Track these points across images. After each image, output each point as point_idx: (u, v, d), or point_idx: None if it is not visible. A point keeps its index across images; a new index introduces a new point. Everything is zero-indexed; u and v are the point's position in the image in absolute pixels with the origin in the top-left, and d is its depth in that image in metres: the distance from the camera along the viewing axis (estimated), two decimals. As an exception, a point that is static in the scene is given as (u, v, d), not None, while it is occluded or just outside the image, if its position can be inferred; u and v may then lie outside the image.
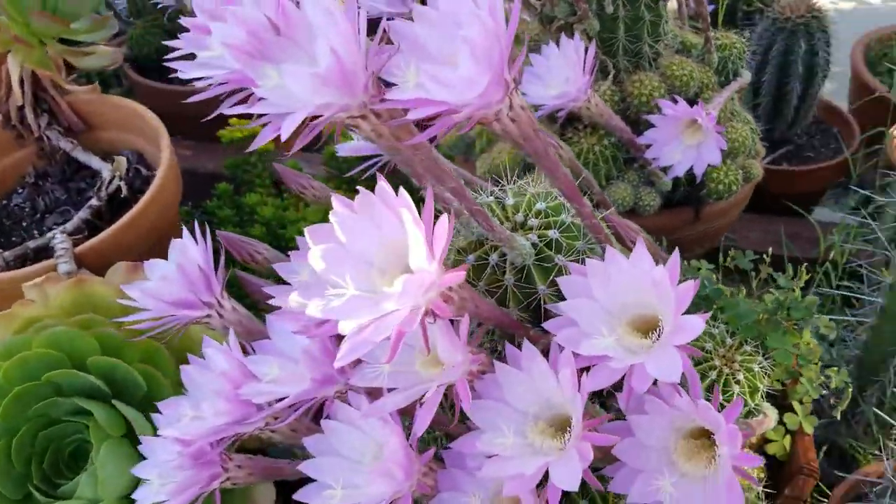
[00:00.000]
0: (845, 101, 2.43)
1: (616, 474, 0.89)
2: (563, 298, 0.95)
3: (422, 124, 0.76)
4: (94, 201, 1.68)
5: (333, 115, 0.75)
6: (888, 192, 1.50)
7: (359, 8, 0.74)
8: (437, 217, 0.73)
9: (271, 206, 1.99)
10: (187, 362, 1.41)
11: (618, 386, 0.83)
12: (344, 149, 1.28)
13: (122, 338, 1.30)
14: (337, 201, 0.75)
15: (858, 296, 1.52)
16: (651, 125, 1.47)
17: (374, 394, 0.89)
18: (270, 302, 0.90)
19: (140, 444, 1.24)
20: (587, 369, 0.83)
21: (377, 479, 0.80)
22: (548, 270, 0.96)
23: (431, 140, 0.80)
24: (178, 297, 1.00)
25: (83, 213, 1.65)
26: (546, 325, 0.86)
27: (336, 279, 0.72)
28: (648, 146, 1.47)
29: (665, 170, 1.49)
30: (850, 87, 2.47)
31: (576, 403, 0.80)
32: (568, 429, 0.82)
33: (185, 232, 1.07)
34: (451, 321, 0.80)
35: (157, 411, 1.25)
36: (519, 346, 0.86)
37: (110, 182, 1.70)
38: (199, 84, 0.83)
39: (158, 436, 1.00)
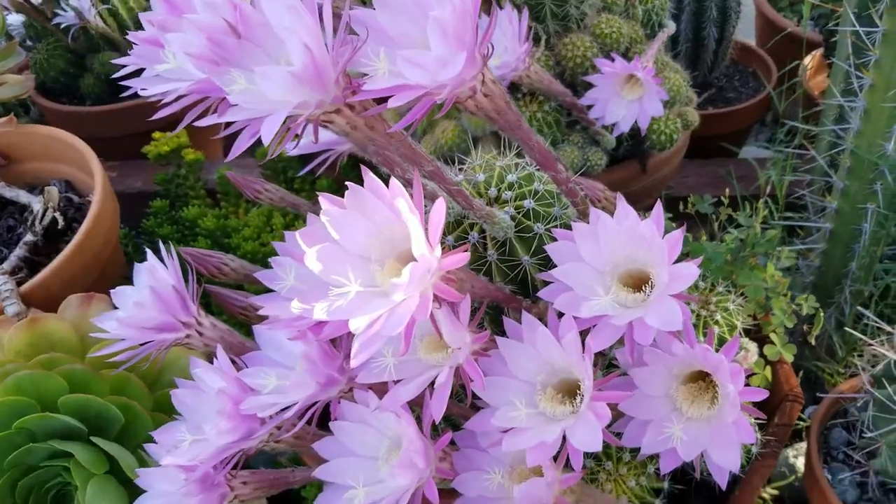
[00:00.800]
0: (753, 40, 2.50)
1: (626, 429, 0.90)
2: (546, 266, 0.96)
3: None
4: (29, 237, 1.61)
5: (310, 113, 0.74)
6: (822, 120, 1.56)
7: (320, 3, 0.73)
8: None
9: (212, 217, 1.94)
10: (160, 388, 1.38)
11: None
12: (293, 147, 1.26)
13: (90, 373, 1.26)
14: (325, 199, 0.74)
15: (803, 224, 1.58)
16: (590, 85, 1.48)
17: (377, 389, 0.88)
18: (261, 312, 0.88)
19: (124, 478, 1.22)
20: (586, 333, 0.84)
21: (400, 472, 0.80)
22: (528, 241, 0.96)
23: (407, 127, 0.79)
24: (158, 322, 0.97)
25: (20, 251, 1.58)
26: (542, 293, 0.87)
27: (338, 278, 0.71)
28: (591, 106, 1.48)
29: (608, 128, 1.51)
30: (755, 25, 2.54)
31: (583, 366, 0.81)
32: (578, 392, 0.83)
33: (150, 254, 1.03)
34: (451, 303, 0.80)
35: (138, 443, 1.22)
36: (518, 319, 0.86)
37: (44, 214, 1.63)
38: (153, 97, 0.80)
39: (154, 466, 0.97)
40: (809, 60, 2.20)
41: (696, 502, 1.16)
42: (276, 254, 0.95)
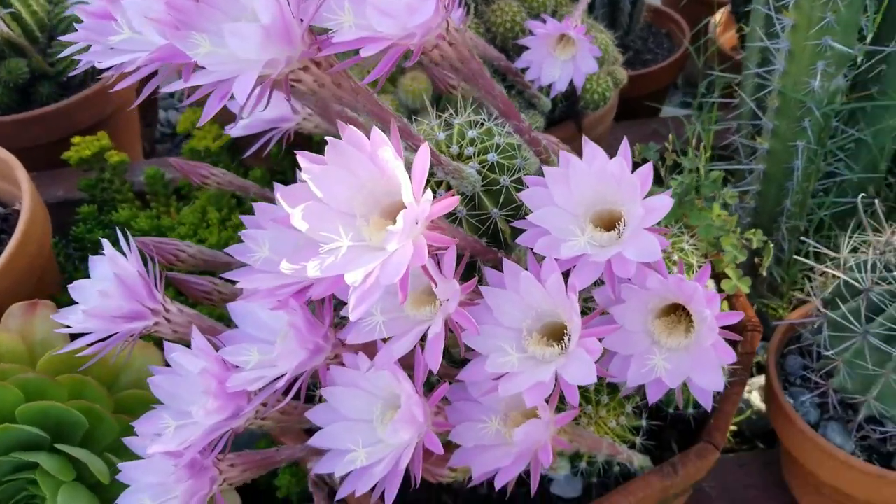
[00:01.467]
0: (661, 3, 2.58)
1: (610, 365, 0.92)
2: (515, 217, 0.97)
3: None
4: (-43, 252, 1.53)
5: (280, 72, 0.73)
6: (745, 66, 1.62)
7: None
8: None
9: (145, 219, 1.89)
10: (119, 390, 1.34)
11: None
12: (236, 128, 1.24)
13: (45, 379, 1.21)
14: (304, 157, 0.73)
15: (737, 168, 1.64)
16: (522, 50, 1.50)
17: (365, 353, 0.88)
18: (238, 286, 0.86)
19: (93, 483, 1.18)
20: (565, 277, 0.85)
21: (402, 426, 0.79)
22: (495, 194, 0.97)
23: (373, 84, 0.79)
24: (126, 310, 0.94)
25: (-51, 267, 1.50)
26: (520, 240, 0.88)
27: (327, 234, 0.70)
28: (525, 69, 1.50)
29: (543, 90, 1.53)
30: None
31: (568, 305, 0.82)
32: (565, 333, 0.85)
33: (107, 244, 1.00)
34: (435, 256, 0.80)
35: (105, 446, 1.18)
36: (499, 268, 0.87)
37: (-31, 227, 1.55)
38: (109, 71, 0.77)
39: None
40: (719, 17, 2.28)
41: (672, 436, 1.19)
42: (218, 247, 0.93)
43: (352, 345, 0.88)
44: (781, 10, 1.39)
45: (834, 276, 1.19)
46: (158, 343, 1.27)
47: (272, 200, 1.26)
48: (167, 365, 0.94)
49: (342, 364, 0.88)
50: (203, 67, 0.72)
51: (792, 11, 1.34)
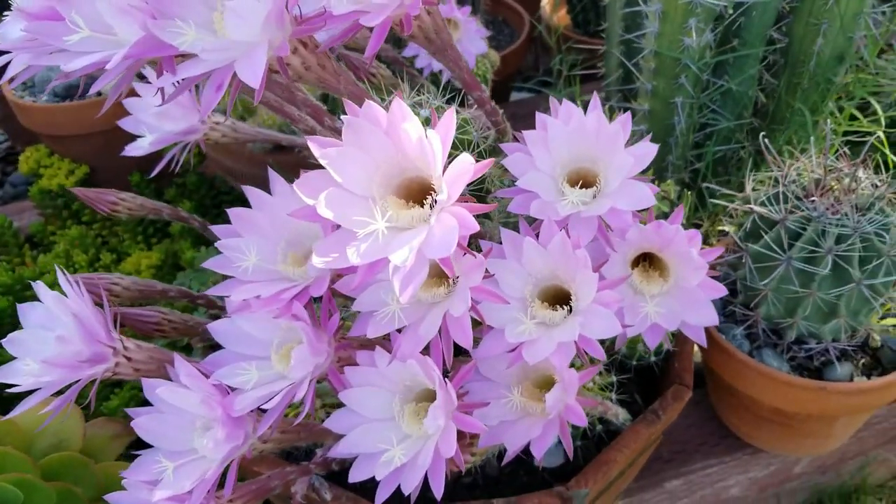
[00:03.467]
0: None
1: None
2: (480, 192, 0.96)
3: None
4: None
5: (274, 55, 0.67)
6: (609, 37, 1.69)
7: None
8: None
9: (3, 272, 1.70)
10: (40, 455, 1.20)
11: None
12: (139, 147, 1.15)
13: None
14: (315, 143, 0.68)
15: (628, 106, 1.71)
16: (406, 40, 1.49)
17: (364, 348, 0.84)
18: (229, 300, 0.79)
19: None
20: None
21: (440, 413, 0.76)
22: (459, 170, 0.95)
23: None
24: (89, 354, 0.84)
25: None
26: (512, 207, 0.87)
27: (360, 219, 0.66)
28: (414, 58, 1.49)
29: (434, 75, 1.53)
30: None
31: (575, 263, 0.82)
32: (570, 295, 0.85)
33: (41, 286, 0.89)
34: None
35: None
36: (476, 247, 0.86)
37: None
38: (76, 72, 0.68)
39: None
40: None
41: (633, 389, 1.23)
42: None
43: (353, 345, 0.84)
44: (648, -25, 1.47)
45: (744, 212, 1.27)
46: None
47: (187, 220, 1.17)
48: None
49: (343, 369, 0.83)
50: (187, 57, 0.66)
51: (661, -25, 1.42)
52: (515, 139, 0.93)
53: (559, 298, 0.86)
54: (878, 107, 1.56)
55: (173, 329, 1.00)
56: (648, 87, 1.57)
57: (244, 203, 1.82)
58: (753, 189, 1.30)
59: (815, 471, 1.59)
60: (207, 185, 1.95)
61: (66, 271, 0.90)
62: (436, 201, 0.68)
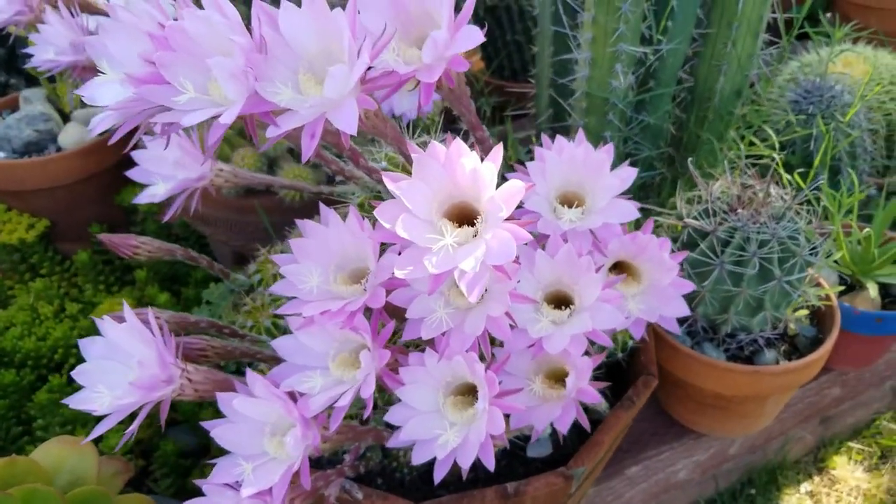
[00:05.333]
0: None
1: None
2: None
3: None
4: None
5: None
6: (540, 81, 1.90)
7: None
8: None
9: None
10: (64, 492, 1.28)
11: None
12: (147, 196, 1.26)
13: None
14: (389, 177, 0.83)
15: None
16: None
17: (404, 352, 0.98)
18: (300, 316, 0.92)
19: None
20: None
21: (485, 401, 0.91)
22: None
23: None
24: (165, 376, 0.94)
25: None
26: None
27: (432, 236, 0.82)
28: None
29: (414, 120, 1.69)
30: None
31: (579, 269, 1.00)
32: (572, 298, 1.02)
33: (107, 320, 0.99)
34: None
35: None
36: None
37: None
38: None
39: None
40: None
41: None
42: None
43: (400, 350, 0.98)
44: (575, 28, 1.68)
45: (680, 227, 1.49)
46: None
47: (196, 260, 1.28)
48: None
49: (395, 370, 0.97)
50: (282, 112, 0.80)
51: (590, 27, 1.64)
52: (511, 168, 1.10)
53: (559, 301, 1.03)
54: (772, 134, 1.82)
55: (216, 354, 1.10)
56: (581, 124, 1.79)
57: (202, 247, 1.90)
58: (684, 207, 1.53)
59: (746, 451, 1.82)
60: (166, 233, 2.03)
61: (116, 316, 1.00)
62: (480, 221, 0.84)
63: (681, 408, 1.67)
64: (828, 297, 1.59)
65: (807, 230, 1.47)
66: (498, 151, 0.83)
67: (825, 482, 1.91)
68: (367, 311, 0.95)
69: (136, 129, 0.89)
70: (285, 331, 1.33)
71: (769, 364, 1.51)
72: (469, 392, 1.00)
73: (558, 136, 1.06)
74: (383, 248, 0.95)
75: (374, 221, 0.95)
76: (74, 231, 1.96)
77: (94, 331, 1.80)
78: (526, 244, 1.00)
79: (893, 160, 2.30)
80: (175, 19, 0.83)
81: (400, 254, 0.91)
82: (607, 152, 1.05)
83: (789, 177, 1.78)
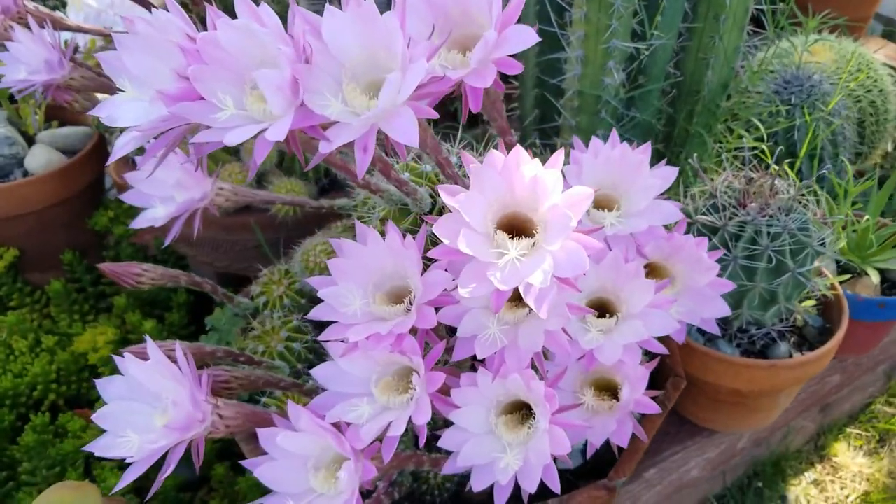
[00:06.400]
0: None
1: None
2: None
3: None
4: None
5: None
6: (525, 83, 1.86)
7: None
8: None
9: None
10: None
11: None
12: (146, 220, 1.19)
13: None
14: (444, 191, 0.78)
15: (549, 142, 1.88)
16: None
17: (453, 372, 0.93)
18: (343, 340, 0.86)
19: None
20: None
21: (544, 417, 0.87)
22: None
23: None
24: (200, 415, 0.88)
25: None
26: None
27: (497, 251, 0.77)
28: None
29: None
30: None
31: (626, 274, 0.96)
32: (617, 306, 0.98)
33: (129, 357, 0.91)
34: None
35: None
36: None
37: None
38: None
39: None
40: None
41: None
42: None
43: (450, 371, 0.93)
44: (566, 26, 1.65)
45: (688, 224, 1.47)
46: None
47: (200, 285, 1.21)
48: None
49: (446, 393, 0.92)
50: (330, 125, 0.74)
51: (582, 24, 1.61)
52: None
53: (601, 309, 1.00)
54: (761, 126, 1.82)
55: (240, 385, 1.03)
56: (573, 123, 1.76)
57: (180, 269, 1.84)
58: (692, 202, 1.51)
59: (753, 445, 1.81)
60: (142, 256, 1.93)
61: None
62: (541, 231, 0.79)
63: (694, 406, 1.64)
64: (833, 287, 1.59)
65: (814, 220, 1.46)
66: (559, 157, 0.79)
67: (828, 470, 1.91)
68: (412, 332, 0.90)
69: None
70: (299, 354, 1.27)
71: (783, 357, 1.50)
72: (518, 409, 0.96)
73: (594, 139, 1.02)
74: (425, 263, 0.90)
75: (405, 235, 0.90)
76: (45, 259, 1.85)
77: (73, 365, 1.71)
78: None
79: (865, 146, 2.34)
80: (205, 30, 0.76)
81: (447, 269, 0.87)
82: (644, 152, 1.01)
83: (778, 167, 1.78)
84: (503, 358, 0.88)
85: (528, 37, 0.79)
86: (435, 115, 0.75)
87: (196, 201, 1.17)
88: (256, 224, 1.59)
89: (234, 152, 1.61)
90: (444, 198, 0.77)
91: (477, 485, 0.89)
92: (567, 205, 0.77)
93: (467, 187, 0.98)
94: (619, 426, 0.97)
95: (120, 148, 0.79)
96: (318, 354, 1.29)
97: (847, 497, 1.85)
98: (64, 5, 2.52)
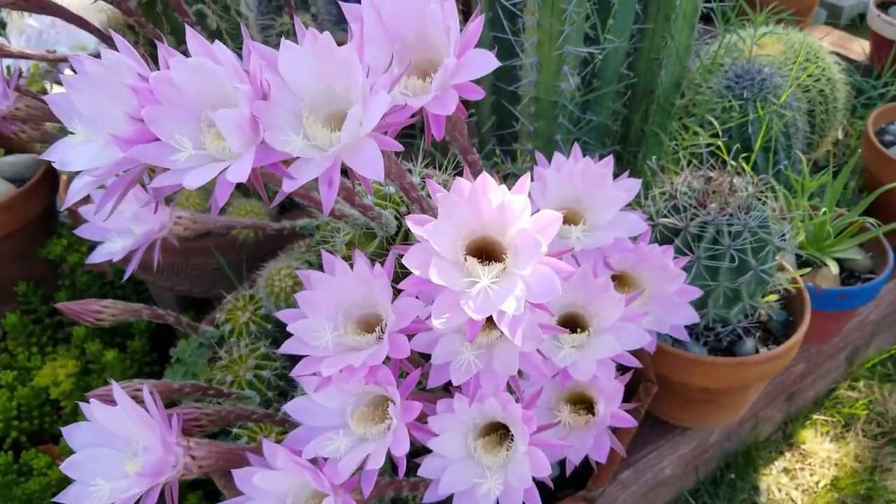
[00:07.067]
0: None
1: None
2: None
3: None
4: None
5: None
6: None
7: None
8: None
9: None
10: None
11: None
12: (103, 254, 1.16)
13: None
14: (412, 221, 0.77)
15: (507, 148, 1.87)
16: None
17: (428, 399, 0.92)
18: (312, 375, 0.85)
19: None
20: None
21: (524, 440, 0.86)
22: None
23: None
24: (173, 459, 0.85)
25: None
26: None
27: (468, 280, 0.76)
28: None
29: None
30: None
31: (596, 288, 0.96)
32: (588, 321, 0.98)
33: (96, 404, 0.89)
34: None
35: None
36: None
37: None
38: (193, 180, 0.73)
39: None
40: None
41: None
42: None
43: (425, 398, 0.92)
44: (518, 33, 1.65)
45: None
46: None
47: (163, 317, 1.19)
48: None
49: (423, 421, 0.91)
50: (294, 160, 0.73)
51: (535, 31, 1.61)
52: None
53: (570, 324, 1.00)
54: (715, 122, 1.84)
55: (210, 422, 1.01)
56: (531, 129, 1.76)
57: (139, 293, 1.80)
58: (652, 204, 1.51)
59: (723, 438, 1.83)
60: (99, 283, 1.89)
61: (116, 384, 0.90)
62: (510, 255, 0.79)
63: (665, 406, 1.66)
64: (795, 281, 1.61)
65: (772, 216, 1.48)
66: (525, 181, 0.78)
67: (797, 457, 1.94)
68: (385, 361, 0.89)
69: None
70: (268, 382, 1.25)
71: (749, 353, 1.52)
72: (495, 429, 0.95)
73: (556, 154, 1.02)
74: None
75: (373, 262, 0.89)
76: (-2, 293, 1.81)
77: (34, 400, 1.66)
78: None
79: (816, 135, 2.37)
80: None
81: (417, 297, 0.86)
82: (607, 165, 1.01)
83: (734, 163, 1.80)
84: (479, 383, 0.87)
85: (488, 62, 0.79)
86: (399, 147, 0.74)
87: (154, 232, 1.15)
88: (216, 247, 1.56)
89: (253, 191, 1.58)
90: (413, 228, 0.76)
91: (461, 512, 0.88)
92: (536, 229, 0.77)
93: (433, 209, 0.98)
94: (596, 441, 0.97)
95: (76, 193, 0.77)
96: (289, 381, 1.27)
97: (817, 483, 1.88)
98: (3, 26, 2.45)
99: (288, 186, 0.71)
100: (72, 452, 1.39)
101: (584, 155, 1.78)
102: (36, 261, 1.88)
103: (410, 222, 0.77)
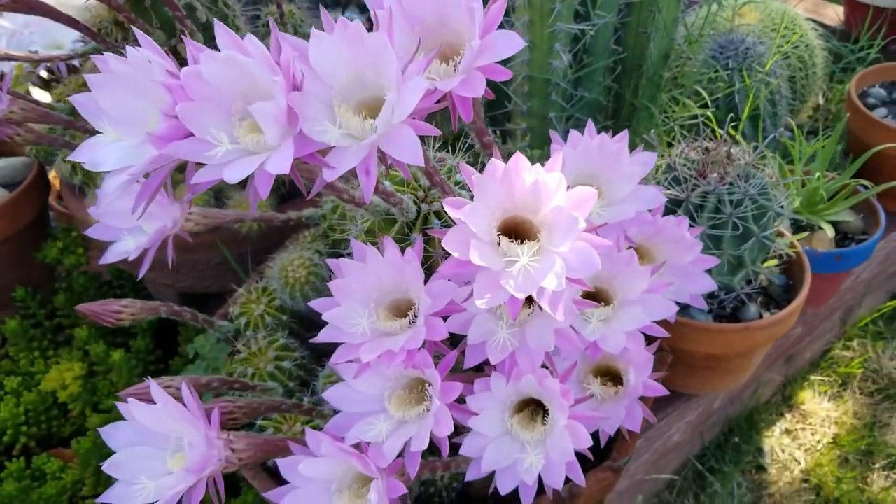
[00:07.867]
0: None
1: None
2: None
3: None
4: None
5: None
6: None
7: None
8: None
9: None
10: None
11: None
12: (116, 254, 1.15)
13: None
14: (449, 204, 0.77)
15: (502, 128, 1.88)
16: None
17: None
18: (340, 368, 0.86)
19: None
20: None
21: (562, 413, 0.88)
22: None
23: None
24: (217, 455, 0.86)
25: None
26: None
27: (509, 259, 0.77)
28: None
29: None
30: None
31: (621, 261, 0.97)
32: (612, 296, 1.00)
33: (134, 403, 0.89)
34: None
35: None
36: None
37: None
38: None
39: None
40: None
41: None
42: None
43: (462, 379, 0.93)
44: (511, 12, 1.65)
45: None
46: None
47: (180, 314, 1.19)
48: None
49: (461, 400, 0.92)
50: (329, 150, 0.73)
51: (526, 10, 1.61)
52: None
53: (592, 297, 1.01)
54: (705, 94, 1.86)
55: (243, 414, 1.02)
56: (524, 108, 1.76)
57: (137, 292, 1.79)
58: (652, 177, 1.53)
59: (727, 403, 1.87)
60: (96, 285, 1.87)
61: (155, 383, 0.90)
62: (545, 233, 0.80)
63: (672, 374, 1.67)
64: (793, 245, 1.64)
65: (770, 183, 1.50)
66: (557, 159, 0.79)
67: (797, 418, 1.98)
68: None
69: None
70: (289, 373, 1.25)
71: (753, 318, 1.55)
72: (526, 405, 0.97)
73: (572, 131, 1.02)
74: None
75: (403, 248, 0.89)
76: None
77: (41, 404, 1.65)
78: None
79: (797, 101, 2.41)
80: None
81: (450, 279, 0.87)
82: (622, 140, 1.02)
83: (723, 132, 1.82)
84: (515, 360, 0.89)
85: (513, 42, 0.79)
86: (437, 132, 0.74)
87: (167, 229, 1.14)
88: (220, 240, 1.55)
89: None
90: (450, 211, 0.77)
91: (503, 487, 0.90)
92: (571, 206, 0.78)
93: (453, 192, 0.98)
94: (629, 412, 0.99)
95: (110, 193, 0.76)
96: (309, 370, 1.27)
97: (819, 442, 1.92)
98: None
99: (329, 175, 0.71)
100: (85, 455, 1.39)
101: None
102: (32, 265, 1.86)
103: (448, 205, 0.77)
